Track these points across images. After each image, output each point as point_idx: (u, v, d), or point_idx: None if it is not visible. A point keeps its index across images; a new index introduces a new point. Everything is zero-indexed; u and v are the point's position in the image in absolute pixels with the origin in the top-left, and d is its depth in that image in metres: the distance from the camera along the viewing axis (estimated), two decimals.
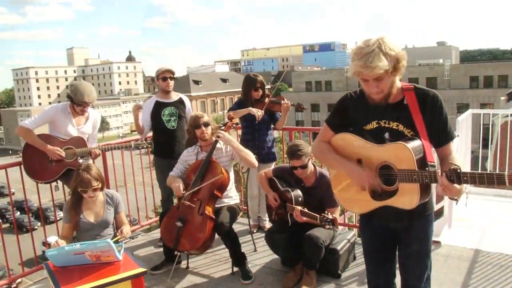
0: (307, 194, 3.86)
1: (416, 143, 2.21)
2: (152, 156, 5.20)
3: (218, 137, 4.07)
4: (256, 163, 4.18)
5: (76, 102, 4.12)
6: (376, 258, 2.65)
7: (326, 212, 3.49)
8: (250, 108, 4.81)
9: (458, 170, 2.00)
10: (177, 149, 4.73)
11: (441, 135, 2.26)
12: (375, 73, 2.10)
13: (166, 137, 4.66)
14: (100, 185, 3.50)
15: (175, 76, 4.83)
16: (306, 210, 3.60)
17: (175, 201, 4.97)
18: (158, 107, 4.74)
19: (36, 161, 4.09)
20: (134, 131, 4.84)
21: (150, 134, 4.87)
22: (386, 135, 2.33)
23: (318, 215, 3.47)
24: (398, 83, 2.27)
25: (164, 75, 4.73)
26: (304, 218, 3.59)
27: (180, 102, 4.88)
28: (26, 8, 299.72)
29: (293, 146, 3.86)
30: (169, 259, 4.15)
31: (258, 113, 4.75)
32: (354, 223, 5.67)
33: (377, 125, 2.35)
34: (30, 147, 4.10)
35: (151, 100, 4.84)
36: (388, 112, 2.30)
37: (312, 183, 3.93)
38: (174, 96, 4.87)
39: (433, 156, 2.20)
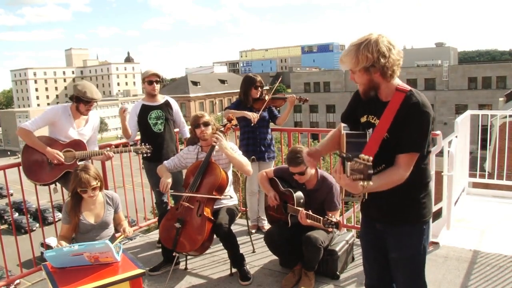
0: (308, 197, 3.86)
1: (360, 137, 2.25)
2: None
3: (216, 140, 4.07)
4: (251, 170, 4.19)
5: (85, 100, 4.12)
6: (367, 257, 2.67)
7: (330, 215, 3.51)
8: (245, 112, 4.85)
9: (344, 156, 2.03)
10: (165, 152, 4.74)
11: (399, 142, 2.19)
12: (344, 66, 2.27)
13: (154, 140, 4.60)
14: (99, 184, 3.49)
15: (161, 79, 4.81)
16: (310, 212, 3.60)
17: (171, 202, 4.98)
18: (145, 111, 4.73)
19: (35, 163, 4.08)
20: None
21: (139, 137, 4.86)
22: (371, 130, 2.34)
23: (321, 218, 3.47)
24: (397, 82, 2.27)
25: (150, 79, 4.71)
26: (309, 221, 3.59)
27: (167, 104, 4.86)
28: (23, 9, 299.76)
29: (293, 152, 3.84)
30: (168, 260, 4.15)
31: (253, 115, 4.79)
32: (353, 224, 5.68)
33: (366, 119, 2.39)
34: (30, 148, 4.08)
35: (137, 104, 4.82)
36: (377, 109, 2.31)
37: (314, 186, 3.93)
38: (161, 98, 4.85)
39: (372, 153, 2.09)
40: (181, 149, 4.97)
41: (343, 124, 2.48)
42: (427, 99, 2.26)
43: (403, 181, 2.19)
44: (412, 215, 2.37)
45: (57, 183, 4.23)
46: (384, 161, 2.22)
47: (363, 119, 2.41)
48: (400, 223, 2.39)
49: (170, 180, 4.09)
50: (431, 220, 2.52)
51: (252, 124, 4.84)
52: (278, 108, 5.19)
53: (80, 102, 4.16)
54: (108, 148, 4.34)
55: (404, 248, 2.41)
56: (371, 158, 1.91)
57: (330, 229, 3.66)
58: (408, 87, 2.25)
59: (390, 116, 2.19)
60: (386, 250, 2.50)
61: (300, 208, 3.68)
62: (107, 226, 3.59)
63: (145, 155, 4.41)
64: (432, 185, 2.20)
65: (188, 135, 5.09)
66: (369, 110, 2.37)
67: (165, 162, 4.32)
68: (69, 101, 4.31)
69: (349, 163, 1.93)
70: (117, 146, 4.75)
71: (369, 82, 2.25)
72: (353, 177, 1.92)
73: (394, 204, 2.28)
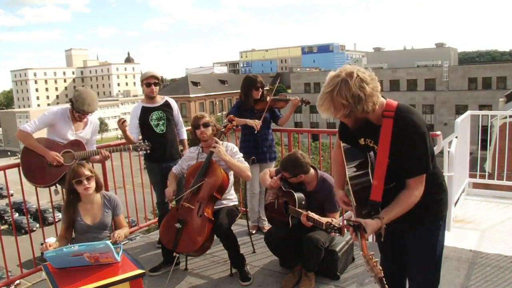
0: (309, 198, 3.85)
1: (363, 178, 2.27)
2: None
3: (214, 147, 4.08)
4: (250, 176, 4.19)
5: (75, 108, 4.13)
6: (381, 250, 2.70)
7: (332, 218, 3.50)
8: (247, 120, 4.84)
9: (356, 224, 2.16)
10: (169, 153, 4.75)
11: (404, 166, 2.22)
12: (324, 116, 2.18)
13: (156, 141, 4.59)
14: (93, 175, 3.49)
15: (159, 81, 4.80)
16: (313, 214, 3.59)
17: (172, 203, 4.98)
18: (145, 113, 4.71)
19: (34, 165, 4.08)
20: None
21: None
22: (371, 153, 2.35)
23: (324, 222, 3.46)
24: (382, 102, 2.21)
25: (149, 81, 4.68)
26: (310, 223, 3.59)
27: (166, 105, 4.84)
28: (23, 10, 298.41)
29: (286, 159, 3.88)
30: (168, 261, 4.15)
31: (255, 123, 4.79)
32: None
33: (364, 142, 2.38)
34: (29, 151, 4.08)
35: (137, 106, 4.80)
36: (371, 132, 2.30)
37: (314, 187, 3.92)
38: (160, 99, 4.83)
39: (379, 195, 2.20)
40: (181, 150, 4.99)
41: (343, 145, 2.49)
42: (418, 114, 2.26)
43: (418, 200, 2.24)
44: (429, 214, 2.42)
45: (57, 184, 4.23)
46: (394, 179, 2.25)
47: (361, 142, 2.40)
48: (418, 222, 2.41)
49: (172, 189, 4.16)
50: (447, 213, 2.54)
51: (256, 132, 4.83)
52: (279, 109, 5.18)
53: (73, 108, 4.17)
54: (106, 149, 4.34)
55: (422, 244, 2.45)
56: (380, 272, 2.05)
57: (332, 234, 3.66)
58: (394, 106, 2.21)
59: (386, 146, 2.19)
60: (401, 247, 2.52)
61: (302, 211, 3.68)
62: (105, 227, 3.57)
63: (145, 152, 4.41)
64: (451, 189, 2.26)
65: (184, 136, 5.10)
66: (365, 134, 2.36)
67: (173, 168, 4.36)
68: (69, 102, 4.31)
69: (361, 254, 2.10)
70: (116, 146, 4.75)
71: (354, 121, 2.23)
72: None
73: (413, 208, 2.29)
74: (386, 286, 2.08)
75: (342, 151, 2.51)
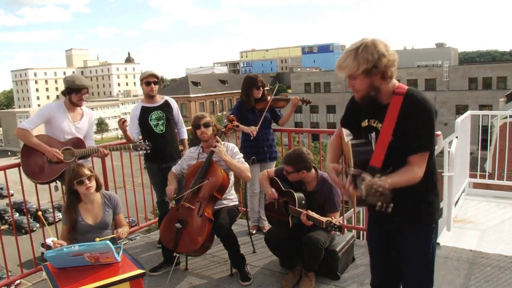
0: (309, 198, 3.85)
1: (366, 145, 2.29)
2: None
3: (215, 147, 4.08)
4: (249, 176, 4.19)
5: (75, 88, 4.16)
6: (375, 256, 2.68)
7: (332, 217, 3.50)
8: (243, 127, 4.84)
9: (356, 174, 2.13)
10: (168, 153, 4.75)
11: (408, 144, 2.22)
12: (344, 73, 2.23)
13: (156, 141, 4.57)
14: (93, 174, 3.50)
15: (159, 80, 4.79)
16: (313, 213, 3.59)
17: (173, 203, 4.99)
18: (145, 113, 4.70)
19: (34, 161, 4.09)
20: None
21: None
22: (373, 134, 2.36)
23: (324, 221, 3.46)
24: (393, 83, 2.26)
25: (148, 80, 4.67)
26: (311, 222, 3.59)
27: (166, 104, 4.83)
28: (23, 10, 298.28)
29: (290, 153, 3.89)
30: (168, 261, 4.15)
31: (251, 129, 4.79)
32: (353, 224, 5.68)
33: (368, 123, 2.39)
34: (29, 148, 4.09)
35: (137, 106, 4.80)
36: (377, 112, 2.32)
37: (314, 187, 3.92)
38: (159, 99, 4.82)
39: (380, 161, 2.20)
40: (181, 150, 4.99)
41: (344, 130, 2.49)
42: (427, 96, 2.27)
43: (418, 180, 2.22)
44: (423, 215, 2.41)
45: (57, 181, 4.24)
46: (392, 163, 2.23)
47: (364, 124, 2.41)
48: (411, 224, 2.41)
49: (173, 187, 4.16)
50: (438, 218, 2.54)
51: (252, 138, 4.82)
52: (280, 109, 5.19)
53: (71, 92, 4.20)
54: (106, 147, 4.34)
55: (415, 247, 2.44)
56: (388, 182, 1.97)
57: (332, 232, 3.66)
58: (405, 87, 2.26)
59: (392, 120, 2.21)
60: (395, 250, 2.51)
61: (302, 210, 3.68)
62: (106, 227, 3.57)
63: (145, 151, 4.42)
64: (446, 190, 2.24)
65: (185, 136, 5.10)
66: (369, 114, 2.37)
67: (173, 168, 4.36)
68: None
69: (362, 186, 1.99)
70: (116, 145, 4.75)
71: (369, 87, 2.24)
72: (370, 198, 1.99)
73: (406, 206, 2.29)
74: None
75: (341, 136, 2.53)
